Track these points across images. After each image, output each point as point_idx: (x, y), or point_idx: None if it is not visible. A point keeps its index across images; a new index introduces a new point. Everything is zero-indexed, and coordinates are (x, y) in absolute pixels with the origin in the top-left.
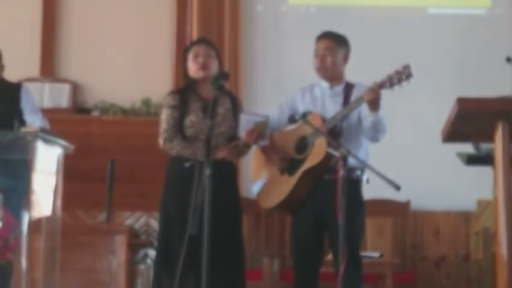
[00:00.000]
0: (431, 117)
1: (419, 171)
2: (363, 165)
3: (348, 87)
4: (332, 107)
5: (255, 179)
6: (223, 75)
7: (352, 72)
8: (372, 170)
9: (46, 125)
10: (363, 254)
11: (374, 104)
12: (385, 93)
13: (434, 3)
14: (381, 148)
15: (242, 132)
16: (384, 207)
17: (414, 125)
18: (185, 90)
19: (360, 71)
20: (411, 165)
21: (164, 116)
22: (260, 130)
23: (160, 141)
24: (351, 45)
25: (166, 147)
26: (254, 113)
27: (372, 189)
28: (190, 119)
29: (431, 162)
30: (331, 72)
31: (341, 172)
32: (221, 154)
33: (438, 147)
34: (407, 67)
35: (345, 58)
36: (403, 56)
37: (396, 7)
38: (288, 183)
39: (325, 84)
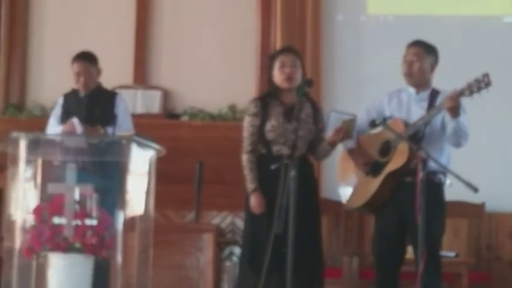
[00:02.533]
0: (506, 120)
1: (494, 174)
2: (442, 168)
3: (434, 94)
4: (416, 112)
5: (342, 180)
6: (308, 83)
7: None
8: (451, 172)
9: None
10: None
11: (454, 111)
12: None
13: (509, 12)
14: (457, 151)
15: (330, 130)
16: (460, 208)
17: (490, 127)
18: (267, 97)
19: (438, 79)
20: (486, 168)
21: (245, 123)
22: (347, 128)
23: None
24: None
25: (242, 155)
26: (342, 111)
27: (447, 191)
28: (272, 123)
29: (506, 165)
30: (417, 78)
31: (420, 174)
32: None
33: None
34: (486, 75)
35: (433, 66)
36: (478, 63)
37: (472, 16)
38: (372, 184)
39: (412, 90)
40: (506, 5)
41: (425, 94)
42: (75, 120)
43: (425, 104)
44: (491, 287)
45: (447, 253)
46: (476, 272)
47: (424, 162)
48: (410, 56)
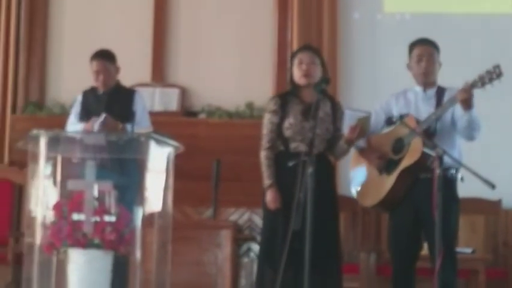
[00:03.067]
0: None
1: (510, 170)
2: (459, 165)
3: (440, 91)
4: (425, 110)
5: (354, 179)
6: (325, 80)
7: (447, 79)
8: (468, 169)
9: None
10: (456, 249)
11: (467, 103)
12: (477, 94)
13: None
14: (473, 147)
15: (346, 128)
16: (477, 205)
17: (506, 124)
18: (287, 95)
19: (454, 78)
20: (503, 164)
21: (265, 120)
22: (362, 126)
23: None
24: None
25: (260, 152)
26: (357, 108)
27: (464, 187)
28: (289, 121)
29: None
30: (433, 77)
31: (437, 171)
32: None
33: None
34: (497, 66)
35: (439, 63)
36: (495, 61)
37: (489, 14)
38: (387, 182)
39: (418, 89)
40: None
41: (432, 92)
42: (97, 120)
43: (433, 102)
44: (508, 283)
45: (464, 249)
46: (493, 268)
47: (441, 158)
48: (426, 55)
